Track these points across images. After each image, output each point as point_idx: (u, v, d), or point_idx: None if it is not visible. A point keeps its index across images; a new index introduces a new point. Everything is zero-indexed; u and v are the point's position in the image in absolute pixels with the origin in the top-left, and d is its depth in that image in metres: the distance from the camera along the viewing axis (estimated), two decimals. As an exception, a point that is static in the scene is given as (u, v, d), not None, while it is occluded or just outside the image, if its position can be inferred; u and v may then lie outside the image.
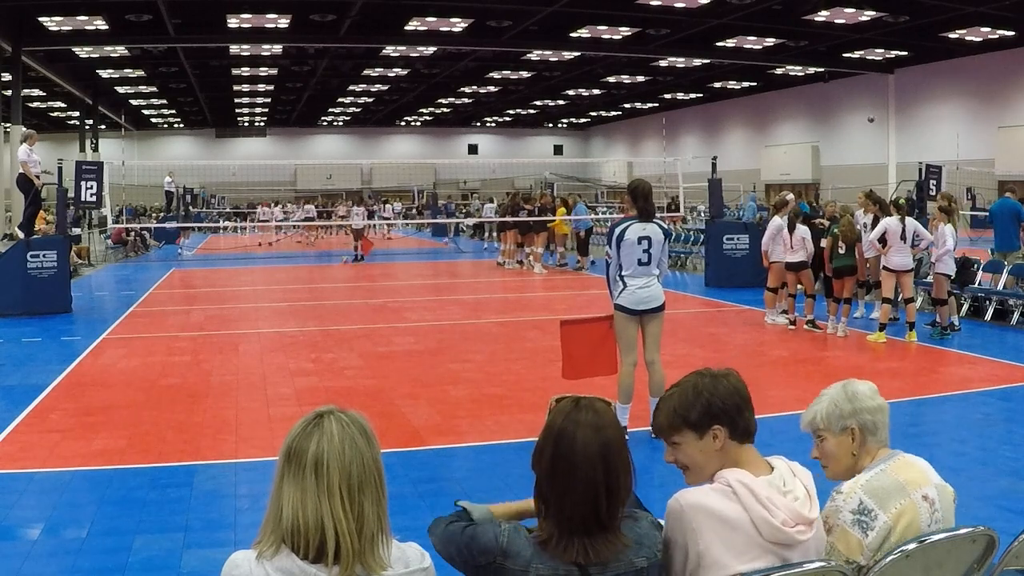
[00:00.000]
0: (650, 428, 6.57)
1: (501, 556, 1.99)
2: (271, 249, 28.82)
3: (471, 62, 32.26)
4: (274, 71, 33.40)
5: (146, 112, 45.97)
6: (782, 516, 2.07)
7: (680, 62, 32.26)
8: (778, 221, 11.78)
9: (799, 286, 11.39)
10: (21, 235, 14.25)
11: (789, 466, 2.22)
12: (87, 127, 38.22)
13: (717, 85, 38.74)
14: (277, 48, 28.40)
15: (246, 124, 51.54)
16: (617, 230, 6.30)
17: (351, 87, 38.56)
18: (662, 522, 2.16)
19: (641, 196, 6.36)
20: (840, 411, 2.48)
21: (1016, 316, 11.34)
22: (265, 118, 49.70)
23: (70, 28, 23.34)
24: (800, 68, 33.52)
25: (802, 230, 10.94)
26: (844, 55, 30.06)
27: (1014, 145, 28.31)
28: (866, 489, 2.34)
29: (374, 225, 33.81)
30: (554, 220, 20.46)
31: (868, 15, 23.59)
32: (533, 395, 7.71)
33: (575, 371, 6.40)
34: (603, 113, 50.92)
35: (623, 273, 6.24)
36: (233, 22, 23.88)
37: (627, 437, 6.11)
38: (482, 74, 35.36)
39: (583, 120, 55.22)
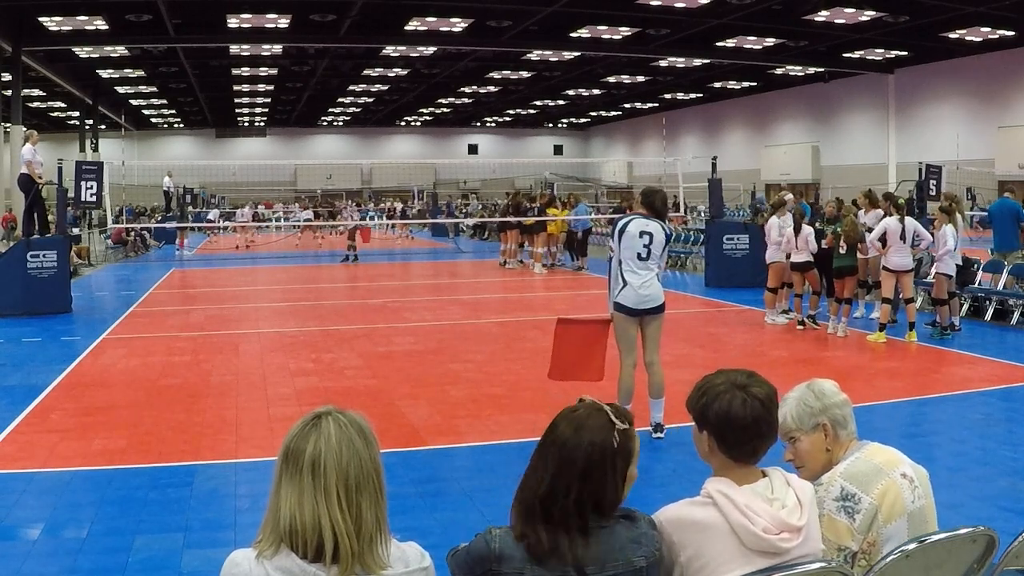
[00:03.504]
0: (650, 428, 6.61)
1: (496, 563, 1.98)
2: (249, 250, 28.65)
3: (471, 62, 32.26)
4: (274, 71, 33.42)
5: (146, 112, 45.99)
6: (763, 523, 2.06)
7: (680, 62, 32.26)
8: (776, 221, 11.79)
9: (799, 286, 11.39)
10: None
11: (786, 477, 2.22)
12: (87, 127, 38.23)
13: (717, 85, 38.75)
14: (277, 48, 28.41)
15: (246, 124, 51.55)
16: (620, 223, 6.45)
17: (351, 87, 38.57)
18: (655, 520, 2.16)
19: (661, 202, 6.53)
20: (811, 409, 2.52)
21: (1016, 316, 11.34)
22: (265, 118, 49.72)
23: (70, 28, 23.34)
24: (800, 68, 33.53)
25: (806, 230, 10.92)
26: (844, 55, 30.07)
27: (1014, 145, 28.32)
28: (845, 476, 2.40)
29: (390, 226, 33.84)
30: (554, 220, 20.46)
31: (868, 15, 23.60)
32: (533, 395, 7.71)
33: (560, 372, 6.38)
34: (603, 113, 50.93)
35: (623, 268, 6.28)
36: (233, 22, 23.88)
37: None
38: (482, 74, 35.37)
39: (583, 120, 55.23)
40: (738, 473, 2.18)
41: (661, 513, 2.16)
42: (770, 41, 27.70)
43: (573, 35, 26.68)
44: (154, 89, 36.92)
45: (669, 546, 2.11)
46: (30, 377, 8.70)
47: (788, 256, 11.44)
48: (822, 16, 23.56)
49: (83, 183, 15.91)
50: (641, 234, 6.26)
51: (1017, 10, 22.00)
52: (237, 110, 45.90)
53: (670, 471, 5.65)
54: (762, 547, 2.06)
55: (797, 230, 10.96)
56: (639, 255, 6.24)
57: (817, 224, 11.12)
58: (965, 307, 11.93)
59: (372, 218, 33.77)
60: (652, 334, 6.37)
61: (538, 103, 45.86)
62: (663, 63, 32.39)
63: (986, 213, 15.13)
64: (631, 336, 6.32)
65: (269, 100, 42.22)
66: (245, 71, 33.33)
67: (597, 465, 2.03)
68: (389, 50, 29.52)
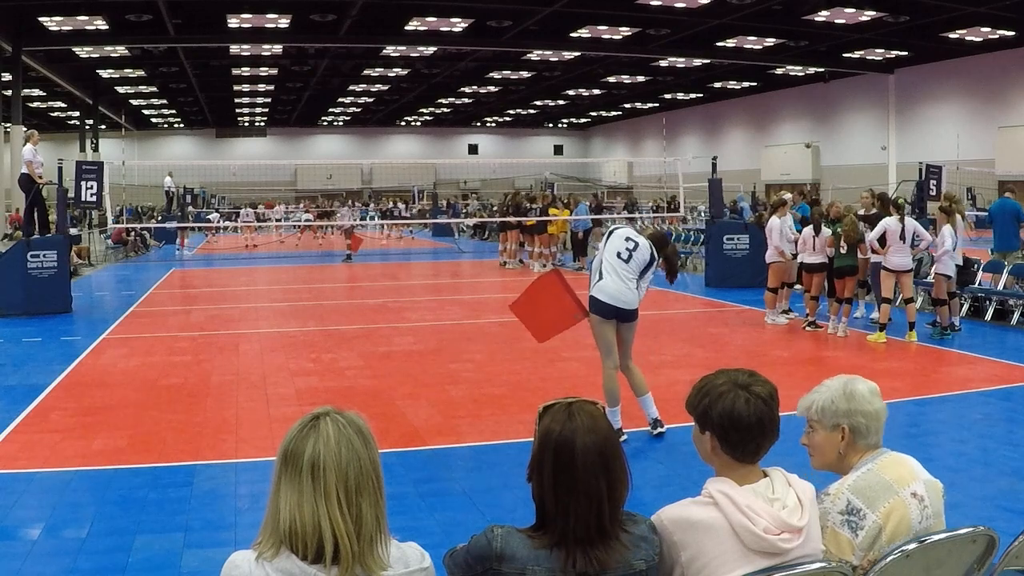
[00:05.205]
0: (649, 428, 6.60)
1: (497, 561, 1.98)
2: (255, 250, 28.70)
3: (471, 62, 32.28)
4: (274, 71, 33.43)
5: (146, 112, 46.00)
6: (764, 523, 2.06)
7: (680, 62, 32.27)
8: (776, 222, 11.78)
9: (797, 285, 11.38)
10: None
11: (786, 477, 2.21)
12: (87, 127, 38.24)
13: (717, 85, 38.76)
14: (277, 48, 28.42)
15: (246, 124, 51.56)
16: (613, 226, 6.81)
17: (351, 87, 38.59)
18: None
19: (672, 251, 6.83)
20: (835, 408, 2.45)
21: (1016, 316, 11.34)
22: (265, 118, 49.73)
23: (70, 28, 23.36)
24: (800, 68, 33.54)
25: (826, 233, 10.82)
26: (844, 55, 30.08)
27: (1014, 145, 28.32)
28: (853, 489, 2.34)
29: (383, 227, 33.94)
30: (555, 220, 20.46)
31: (868, 15, 23.61)
32: (533, 395, 7.71)
33: (522, 310, 6.50)
34: (603, 113, 50.94)
35: (603, 266, 6.40)
36: (233, 22, 23.90)
37: (625, 438, 6.17)
38: (482, 74, 35.38)
39: (583, 120, 55.24)
40: (740, 473, 2.18)
41: (663, 513, 2.16)
42: (770, 41, 27.71)
43: (573, 35, 26.69)
44: (154, 89, 36.93)
45: (670, 546, 2.11)
46: (30, 377, 8.70)
47: (795, 256, 11.43)
48: (822, 16, 23.57)
49: (83, 183, 15.92)
50: (627, 239, 6.44)
51: (1017, 10, 22.01)
52: (237, 110, 45.91)
53: (669, 473, 5.65)
54: (763, 547, 2.06)
55: (817, 231, 10.86)
56: (619, 254, 6.36)
57: (824, 226, 11.07)
58: (965, 307, 11.93)
59: (372, 218, 33.87)
60: (626, 340, 6.45)
61: (538, 103, 45.87)
62: (663, 63, 32.39)
63: (986, 213, 15.13)
64: (609, 339, 6.36)
65: (269, 100, 42.23)
66: (245, 71, 33.34)
67: (622, 452, 2.05)
68: (389, 50, 29.53)
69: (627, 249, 6.35)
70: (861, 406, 2.45)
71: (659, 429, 6.31)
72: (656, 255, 6.48)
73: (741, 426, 2.15)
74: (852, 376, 2.53)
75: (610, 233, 6.57)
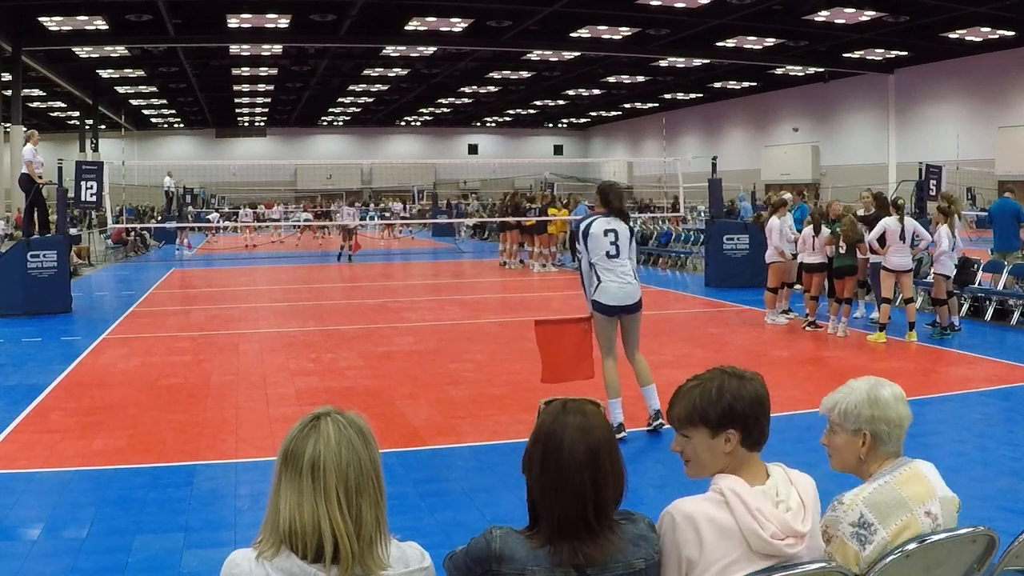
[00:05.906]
0: (649, 419, 6.58)
1: (496, 562, 1.97)
2: (255, 251, 28.72)
3: (471, 62, 32.29)
4: (274, 71, 33.45)
5: (146, 112, 46.02)
6: (772, 528, 2.06)
7: (680, 62, 32.29)
8: (776, 222, 11.78)
9: (797, 285, 11.39)
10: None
11: (787, 474, 2.20)
12: (87, 127, 38.25)
13: (717, 85, 38.77)
14: (277, 48, 28.44)
15: (246, 124, 51.58)
16: (582, 225, 6.46)
17: (351, 87, 38.61)
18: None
19: (616, 197, 6.55)
20: (858, 413, 2.41)
21: (1016, 316, 11.33)
22: (265, 118, 49.75)
23: (70, 28, 23.38)
24: (800, 68, 33.55)
25: (826, 232, 10.81)
26: (844, 55, 30.10)
27: (1014, 145, 28.33)
28: (868, 502, 2.31)
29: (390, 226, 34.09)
30: (554, 220, 20.48)
31: (868, 15, 23.63)
32: (533, 395, 7.69)
33: (553, 374, 6.38)
34: (603, 113, 50.96)
35: (596, 269, 6.32)
36: (233, 22, 23.91)
37: (625, 435, 6.17)
38: (482, 74, 35.40)
39: (583, 120, 55.26)
40: (748, 466, 2.18)
41: (674, 507, 2.14)
42: (770, 41, 27.73)
43: (573, 35, 26.71)
44: (154, 89, 36.94)
45: (678, 541, 2.09)
46: (30, 377, 8.69)
47: (794, 256, 11.43)
48: (822, 16, 23.59)
49: (83, 183, 15.92)
50: (606, 232, 6.30)
51: (1017, 10, 22.02)
52: (237, 110, 45.93)
53: (669, 471, 5.64)
54: (768, 551, 2.06)
55: (817, 231, 10.85)
56: (608, 253, 6.29)
57: (824, 226, 11.07)
58: (965, 307, 11.93)
59: (372, 218, 33.91)
60: (632, 332, 6.43)
61: (538, 103, 45.88)
62: (663, 63, 32.41)
63: (985, 213, 15.13)
64: (611, 336, 6.37)
65: (269, 100, 42.24)
66: (245, 71, 33.35)
67: (615, 451, 2.04)
68: (389, 50, 29.55)
69: (612, 243, 6.27)
70: (885, 413, 2.41)
71: (658, 421, 6.29)
72: (628, 223, 6.45)
73: (765, 407, 2.19)
74: (879, 380, 2.48)
75: (585, 235, 6.31)
